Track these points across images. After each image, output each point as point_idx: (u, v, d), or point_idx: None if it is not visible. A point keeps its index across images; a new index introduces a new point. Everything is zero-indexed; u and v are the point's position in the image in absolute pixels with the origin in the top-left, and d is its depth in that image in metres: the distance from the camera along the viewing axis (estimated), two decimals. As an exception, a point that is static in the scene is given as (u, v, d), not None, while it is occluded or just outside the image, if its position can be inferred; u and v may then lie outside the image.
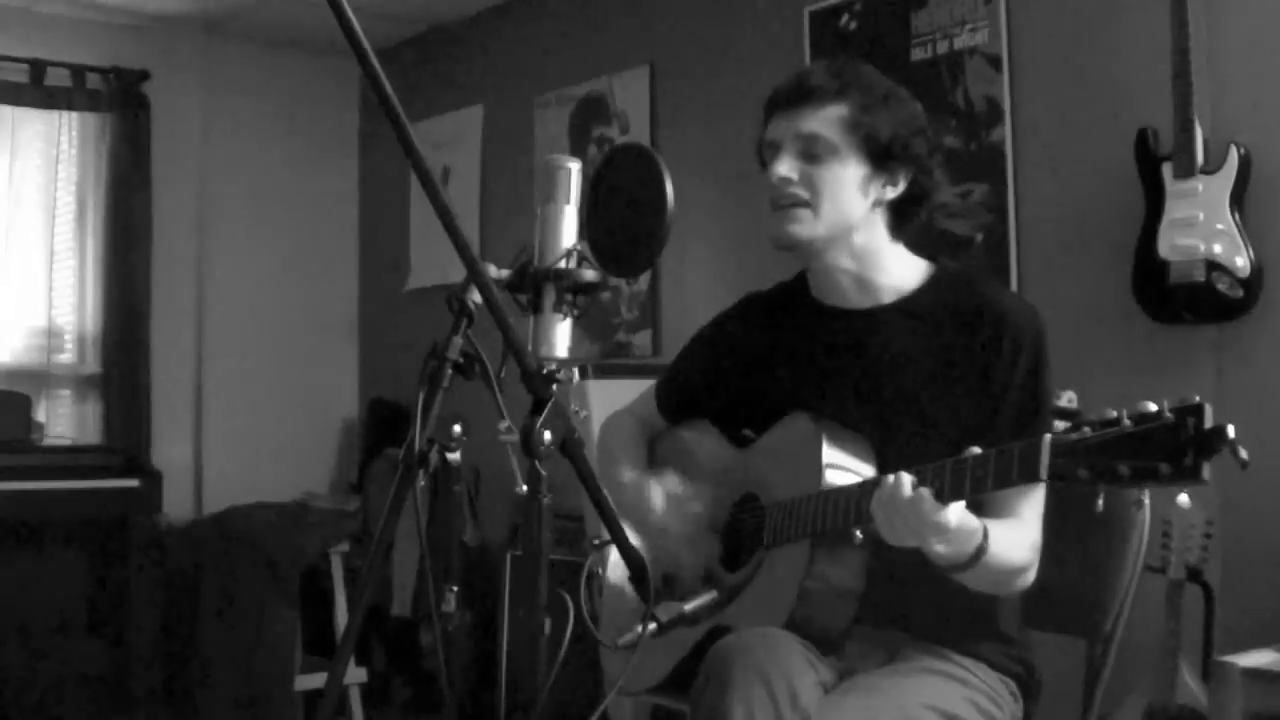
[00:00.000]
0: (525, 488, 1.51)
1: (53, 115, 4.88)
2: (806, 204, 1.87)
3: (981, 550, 1.63)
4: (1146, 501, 1.98)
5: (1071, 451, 1.43)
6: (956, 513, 1.59)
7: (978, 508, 1.66)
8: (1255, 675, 2.23)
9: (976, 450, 1.58)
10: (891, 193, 1.89)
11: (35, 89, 4.77)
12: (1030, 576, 1.79)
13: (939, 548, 1.61)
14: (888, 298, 1.93)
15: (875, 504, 1.62)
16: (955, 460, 1.58)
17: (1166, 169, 2.80)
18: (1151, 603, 2.41)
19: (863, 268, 1.92)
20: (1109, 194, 3.02)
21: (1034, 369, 1.82)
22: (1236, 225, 2.73)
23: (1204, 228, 2.75)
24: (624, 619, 2.08)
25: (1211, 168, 2.76)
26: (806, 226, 1.88)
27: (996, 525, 1.67)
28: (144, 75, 4.97)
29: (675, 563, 2.00)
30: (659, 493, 2.01)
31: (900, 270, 1.94)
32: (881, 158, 1.86)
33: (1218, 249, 2.74)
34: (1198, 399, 1.34)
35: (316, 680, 4.06)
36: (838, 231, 1.88)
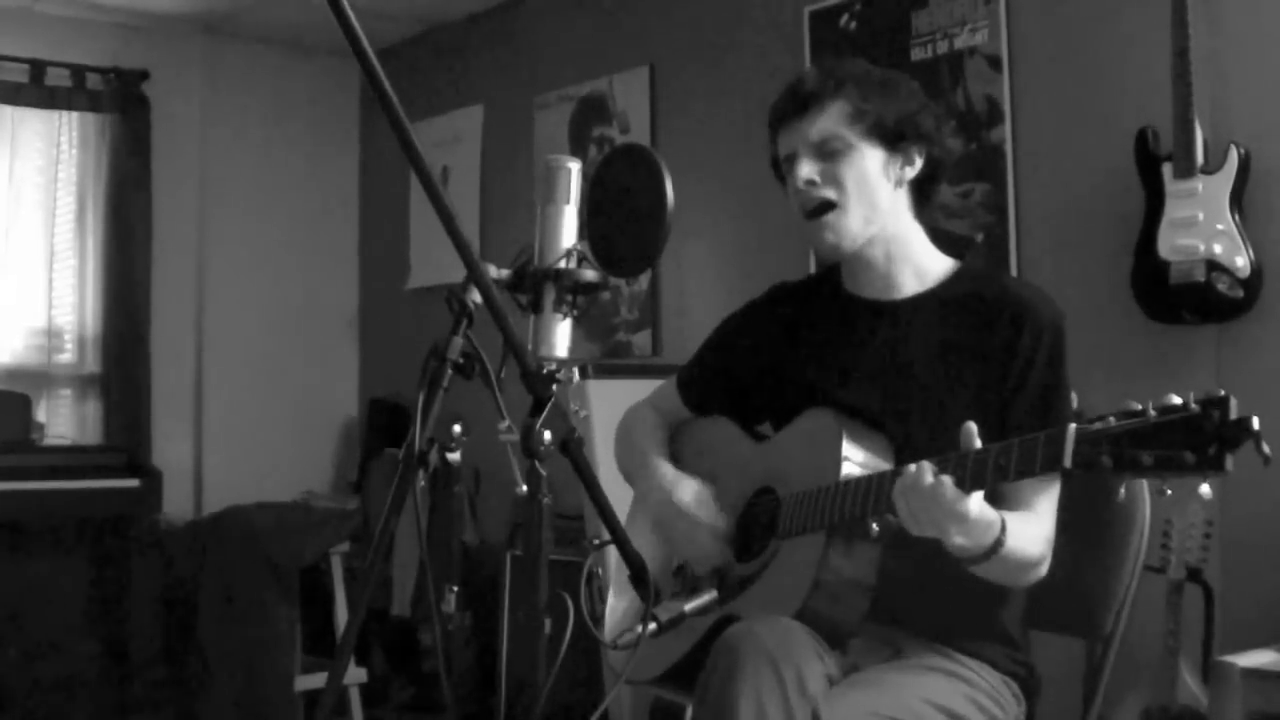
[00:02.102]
0: (525, 488, 1.51)
1: (53, 115, 4.88)
2: (834, 204, 1.89)
3: (999, 543, 1.64)
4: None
5: (1096, 440, 1.43)
6: (976, 504, 1.59)
7: (993, 500, 1.66)
8: (1255, 675, 2.23)
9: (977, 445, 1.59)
10: (911, 172, 1.92)
11: (35, 89, 4.77)
12: (1043, 570, 1.79)
13: (958, 539, 1.61)
14: (913, 290, 1.95)
15: (897, 492, 1.63)
16: (978, 449, 1.58)
17: (1166, 169, 2.80)
18: (1151, 603, 2.41)
19: (891, 257, 1.94)
20: (1109, 194, 3.02)
21: (1053, 362, 1.83)
22: (1236, 225, 2.73)
23: (1204, 228, 2.75)
24: (624, 618, 2.08)
25: (1211, 168, 2.76)
26: (841, 230, 1.90)
27: (1013, 518, 1.68)
28: (144, 75, 4.96)
29: (695, 549, 1.99)
30: (689, 487, 2.02)
31: (926, 263, 1.96)
32: (894, 140, 1.89)
33: (1218, 249, 2.74)
34: (1223, 392, 1.35)
35: (316, 680, 4.06)
36: (871, 223, 1.90)
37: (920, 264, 1.95)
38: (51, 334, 4.89)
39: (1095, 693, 1.99)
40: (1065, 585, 1.94)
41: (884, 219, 1.91)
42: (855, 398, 1.89)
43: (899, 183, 1.92)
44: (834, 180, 1.88)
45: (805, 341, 2.01)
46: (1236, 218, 2.74)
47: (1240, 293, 2.73)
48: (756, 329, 2.10)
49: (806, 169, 1.89)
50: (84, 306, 4.91)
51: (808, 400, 1.93)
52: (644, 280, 4.28)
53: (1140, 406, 1.40)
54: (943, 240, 2.02)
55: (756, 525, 1.97)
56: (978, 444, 1.59)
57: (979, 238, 3.32)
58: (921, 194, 1.96)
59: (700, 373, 2.19)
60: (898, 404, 1.87)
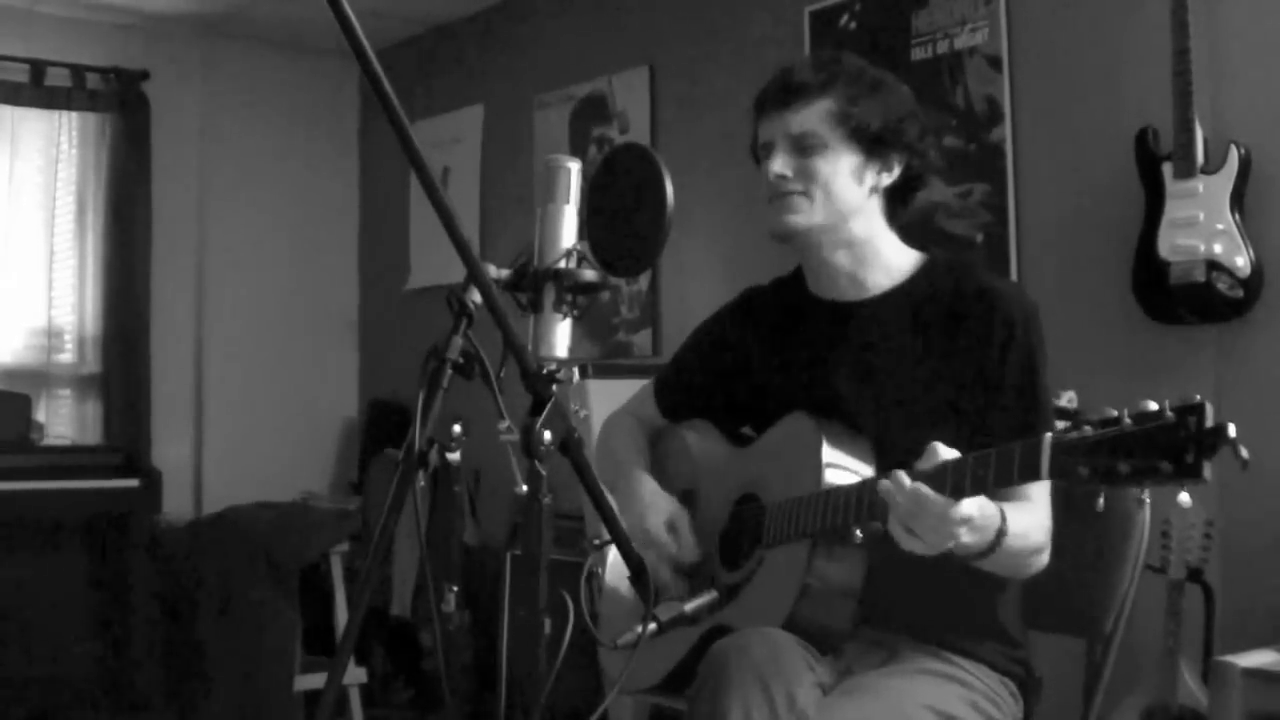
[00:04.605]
0: (525, 488, 1.51)
1: (53, 115, 4.88)
2: (802, 194, 1.88)
3: (1002, 533, 1.63)
4: (1148, 500, 1.98)
5: (1072, 450, 1.43)
6: (970, 503, 1.58)
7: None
8: (1255, 675, 2.23)
9: (950, 454, 1.58)
10: (887, 179, 1.91)
11: (35, 89, 4.77)
12: (1045, 558, 1.78)
13: (966, 539, 1.60)
14: (880, 288, 1.93)
15: (897, 519, 1.59)
16: (955, 460, 1.58)
17: (1166, 169, 2.80)
18: (1151, 603, 2.41)
19: (857, 258, 1.93)
20: (1109, 194, 3.02)
21: (1027, 353, 1.82)
22: (1237, 225, 2.73)
23: (1204, 228, 2.75)
24: (624, 619, 2.07)
25: (1211, 168, 2.76)
26: (803, 216, 1.89)
27: (1010, 508, 1.67)
28: (144, 75, 4.97)
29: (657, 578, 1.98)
30: (661, 512, 2.00)
31: (894, 260, 1.94)
32: (873, 145, 1.88)
33: (1218, 249, 2.74)
34: (1198, 398, 1.34)
35: (316, 680, 4.06)
36: (835, 220, 1.89)
37: (887, 264, 1.94)
38: (51, 334, 4.90)
39: (1095, 693, 1.99)
40: (1065, 585, 1.94)
41: (850, 221, 1.90)
42: (829, 399, 1.89)
43: (873, 189, 1.90)
44: (805, 176, 1.88)
45: (780, 345, 2.01)
46: (1237, 218, 2.74)
47: (1240, 293, 2.73)
48: (728, 336, 2.10)
49: (780, 162, 1.89)
50: (84, 306, 4.91)
51: (786, 405, 1.93)
52: (644, 280, 4.28)
53: (1116, 413, 1.39)
54: (937, 244, 2.01)
55: (742, 534, 1.96)
56: (946, 455, 1.57)
57: (979, 238, 3.32)
58: (897, 201, 1.94)
59: (676, 380, 2.18)
60: (874, 404, 1.87)
